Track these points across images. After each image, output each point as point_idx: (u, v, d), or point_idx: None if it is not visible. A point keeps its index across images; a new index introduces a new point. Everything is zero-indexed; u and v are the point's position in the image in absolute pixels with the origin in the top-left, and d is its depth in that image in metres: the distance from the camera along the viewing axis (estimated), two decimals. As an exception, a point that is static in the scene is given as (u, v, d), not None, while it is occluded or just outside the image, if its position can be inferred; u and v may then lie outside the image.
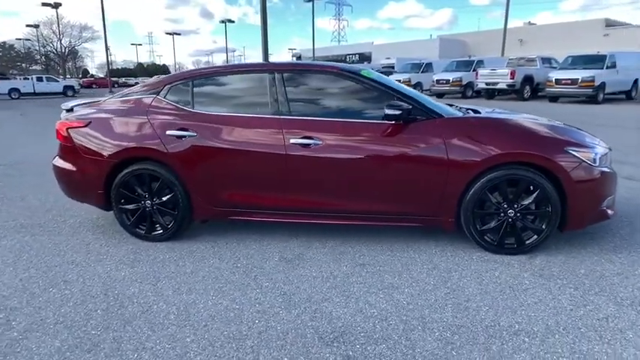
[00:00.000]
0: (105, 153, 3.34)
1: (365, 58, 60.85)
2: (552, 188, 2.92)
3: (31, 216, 4.17)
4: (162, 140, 3.25)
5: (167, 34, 66.67)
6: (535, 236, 3.03)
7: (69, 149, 3.50)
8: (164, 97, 3.38)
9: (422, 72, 24.46)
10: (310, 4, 42.13)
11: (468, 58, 24.58)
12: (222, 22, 52.00)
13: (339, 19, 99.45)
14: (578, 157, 2.93)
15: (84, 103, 3.77)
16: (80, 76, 72.95)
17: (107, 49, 26.80)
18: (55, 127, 3.59)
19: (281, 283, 2.74)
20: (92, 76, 68.17)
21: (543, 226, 3.00)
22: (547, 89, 17.19)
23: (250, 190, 3.25)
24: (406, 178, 3.04)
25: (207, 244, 3.41)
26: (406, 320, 2.30)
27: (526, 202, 2.99)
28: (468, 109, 3.64)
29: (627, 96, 17.48)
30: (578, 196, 2.94)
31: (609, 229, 3.51)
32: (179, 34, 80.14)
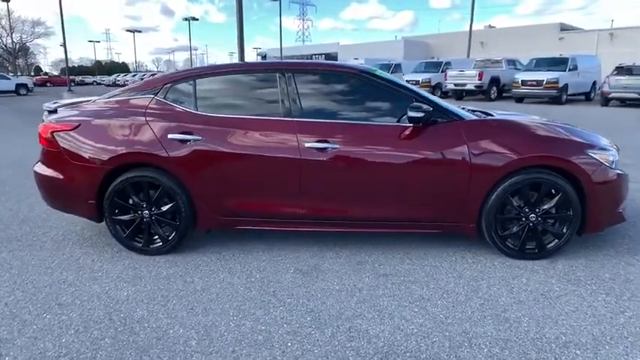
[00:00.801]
0: (97, 159, 3.02)
1: (331, 58, 60.94)
2: (573, 191, 2.89)
3: (5, 229, 3.75)
4: (163, 145, 2.97)
5: (127, 31, 64.22)
6: (556, 240, 2.99)
7: (54, 155, 3.15)
8: (163, 98, 3.10)
9: (391, 73, 24.72)
10: (272, 3, 41.75)
11: (436, 60, 25.04)
12: (186, 19, 50.64)
13: (303, 19, 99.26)
14: (598, 160, 2.91)
15: (68, 104, 3.42)
16: (32, 73, 68.97)
17: (65, 45, 25.35)
18: (38, 131, 3.23)
19: (304, 299, 2.55)
20: (46, 73, 64.54)
21: (564, 230, 2.97)
22: (513, 90, 17.74)
23: (261, 198, 3.03)
24: (428, 182, 2.92)
25: (211, 256, 3.16)
26: (449, 336, 2.17)
27: (547, 205, 2.94)
28: (478, 111, 3.57)
29: (586, 97, 18.34)
30: (598, 199, 2.92)
31: (617, 231, 3.54)
32: (140, 32, 77.40)
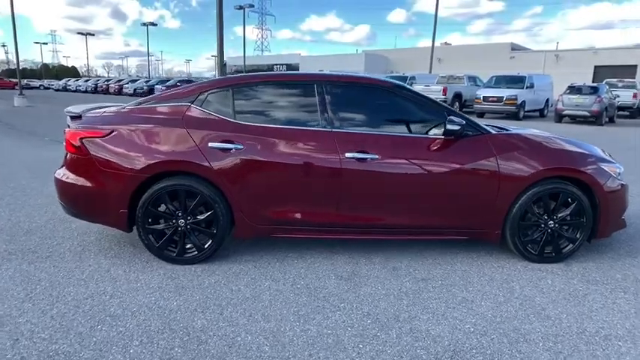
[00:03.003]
0: (132, 167, 2.97)
1: (292, 68, 61.49)
2: (587, 200, 3.18)
3: (11, 240, 3.56)
4: (203, 153, 2.97)
5: (79, 34, 61.38)
6: (570, 245, 3.27)
7: (82, 162, 3.06)
8: (200, 106, 3.11)
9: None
10: (230, 11, 41.66)
11: (401, 74, 25.90)
12: (144, 24, 49.17)
13: (262, 29, 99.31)
14: (608, 172, 3.23)
15: (91, 109, 3.33)
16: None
17: (16, 45, 23.88)
18: (65, 137, 3.12)
19: (356, 303, 2.64)
20: (-14, 75, 60.19)
21: (577, 235, 3.25)
22: (475, 105, 18.71)
23: (299, 206, 3.10)
24: (460, 192, 3.11)
25: (247, 264, 3.17)
26: (504, 333, 2.34)
27: (564, 213, 3.21)
28: (492, 126, 3.83)
29: (540, 114, 19.67)
30: (608, 207, 3.23)
31: (613, 236, 3.89)
32: (92, 35, 74.24)
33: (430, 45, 28.74)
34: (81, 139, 3.04)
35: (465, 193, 3.11)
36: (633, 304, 2.70)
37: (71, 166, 3.13)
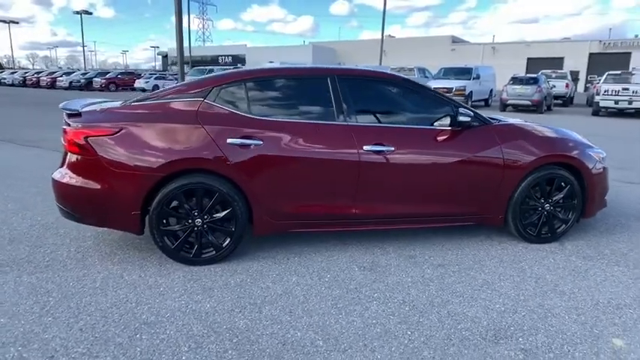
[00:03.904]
0: (146, 166, 2.83)
1: (239, 60, 60.24)
2: (578, 184, 3.47)
3: (9, 254, 3.24)
4: (222, 150, 2.89)
5: (1, 21, 55.99)
6: (563, 225, 3.55)
7: (88, 162, 2.86)
8: (214, 102, 3.01)
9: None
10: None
11: (355, 66, 26.23)
12: (77, 12, 45.76)
13: (203, 19, 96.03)
14: (594, 157, 3.53)
15: (91, 104, 3.12)
16: None
17: None
18: (65, 136, 2.89)
19: (389, 292, 2.71)
20: None
21: (569, 216, 3.54)
22: (426, 96, 19.40)
23: (319, 200, 3.11)
24: (470, 180, 3.27)
25: (265, 261, 3.14)
26: (532, 310, 2.52)
27: (558, 197, 3.48)
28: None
29: (485, 103, 20.81)
30: (595, 190, 3.54)
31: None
32: (17, 23, 67.95)
33: (374, 37, 29.45)
34: (86, 138, 2.83)
35: (474, 181, 3.27)
36: (629, 275, 3.00)
37: (75, 167, 2.91)
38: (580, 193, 3.49)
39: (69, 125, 2.91)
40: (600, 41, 43.95)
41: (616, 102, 15.79)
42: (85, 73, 35.62)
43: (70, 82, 32.82)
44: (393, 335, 2.26)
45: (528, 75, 18.21)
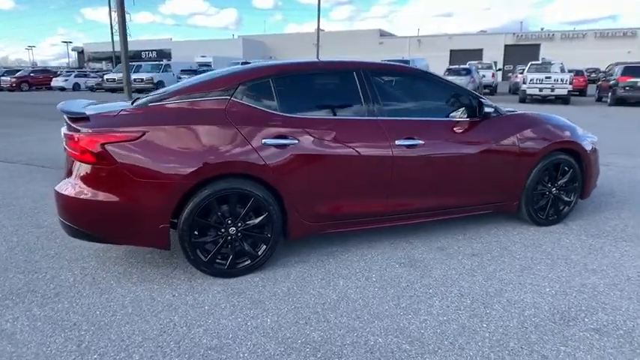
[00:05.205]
0: (177, 173, 2.54)
1: (164, 55, 57.25)
2: (578, 168, 3.71)
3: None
4: (258, 151, 2.68)
5: None
6: (567, 207, 3.79)
7: (105, 172, 2.51)
8: (241, 100, 2.78)
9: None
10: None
11: (291, 60, 26.05)
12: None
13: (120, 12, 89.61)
14: (589, 142, 3.80)
15: (94, 105, 2.75)
16: None
17: None
18: (76, 144, 2.50)
19: (442, 287, 2.70)
20: None
21: (572, 198, 3.78)
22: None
23: (354, 198, 3.01)
24: (492, 169, 3.36)
25: (301, 266, 2.99)
26: (579, 290, 2.65)
27: (562, 180, 3.70)
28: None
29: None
30: (591, 172, 3.82)
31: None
32: None
33: (300, 30, 29.50)
34: (103, 145, 2.47)
35: (496, 169, 3.37)
36: (639, 249, 3.27)
37: (89, 178, 2.53)
38: (580, 176, 3.74)
39: (78, 131, 2.52)
40: (514, 34, 47.86)
41: (540, 89, 17.28)
42: (-11, 71, 31.68)
43: (-30, 82, 29.03)
44: (472, 330, 2.25)
45: (462, 66, 19.32)
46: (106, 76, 27.96)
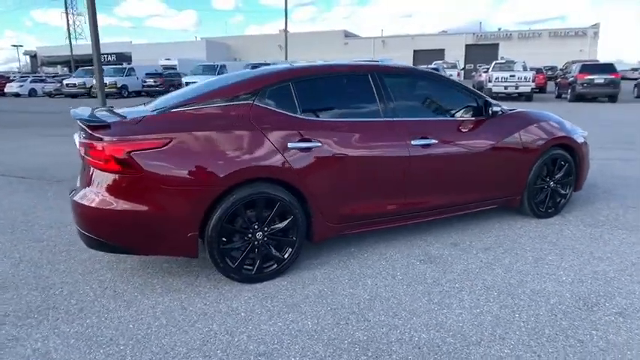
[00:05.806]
0: (206, 179, 2.51)
1: (124, 58, 55.42)
2: (573, 162, 3.92)
3: (9, 300, 2.61)
4: (284, 155, 2.68)
5: None
6: (563, 199, 3.99)
7: (131, 181, 2.44)
8: (263, 103, 2.77)
9: (218, 74, 24.35)
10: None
11: (264, 61, 25.83)
12: None
13: (73, 14, 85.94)
14: (581, 137, 4.02)
15: (106, 111, 2.67)
16: None
17: None
18: (100, 153, 2.41)
19: (466, 281, 2.79)
20: None
21: (567, 191, 3.99)
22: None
23: (374, 198, 3.06)
24: (500, 165, 3.50)
25: (324, 267, 3.01)
26: (593, 277, 2.81)
27: (559, 174, 3.90)
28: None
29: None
30: (583, 166, 4.04)
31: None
32: None
33: (262, 32, 29.36)
34: (129, 152, 2.40)
35: (502, 166, 3.51)
36: (634, 237, 3.49)
37: (114, 187, 2.45)
38: (574, 170, 3.95)
39: (101, 139, 2.44)
40: (474, 34, 49.53)
41: (505, 87, 18.00)
42: None
43: None
44: (507, 320, 2.35)
45: (431, 66, 19.85)
46: (65, 81, 26.81)
